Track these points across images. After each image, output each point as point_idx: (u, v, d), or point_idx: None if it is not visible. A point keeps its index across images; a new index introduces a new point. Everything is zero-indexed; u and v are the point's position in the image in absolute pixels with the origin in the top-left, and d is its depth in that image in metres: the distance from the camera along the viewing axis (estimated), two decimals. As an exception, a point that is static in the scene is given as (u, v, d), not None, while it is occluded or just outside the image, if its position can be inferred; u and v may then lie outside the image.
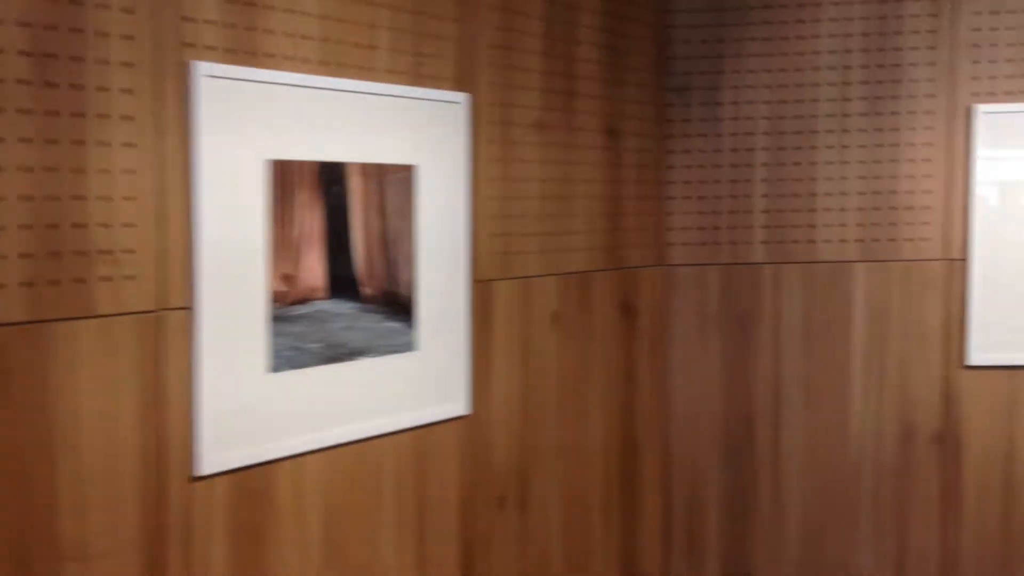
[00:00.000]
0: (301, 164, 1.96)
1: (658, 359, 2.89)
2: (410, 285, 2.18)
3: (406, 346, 2.18)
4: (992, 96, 2.78)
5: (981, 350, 2.79)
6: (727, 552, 2.92)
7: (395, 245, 2.15)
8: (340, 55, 2.03)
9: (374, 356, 2.11)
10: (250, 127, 1.87)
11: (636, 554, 2.86)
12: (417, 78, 2.19)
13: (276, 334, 1.91)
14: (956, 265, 2.81)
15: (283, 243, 1.92)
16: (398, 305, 2.16)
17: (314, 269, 1.99)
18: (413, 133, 2.18)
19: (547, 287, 2.54)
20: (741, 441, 2.90)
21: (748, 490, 2.90)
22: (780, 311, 2.87)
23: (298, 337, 1.96)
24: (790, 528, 2.89)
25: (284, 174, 1.92)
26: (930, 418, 2.84)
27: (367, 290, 2.09)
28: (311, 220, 1.98)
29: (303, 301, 1.97)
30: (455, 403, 2.29)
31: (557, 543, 2.60)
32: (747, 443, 2.90)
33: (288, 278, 1.94)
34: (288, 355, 1.94)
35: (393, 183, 2.14)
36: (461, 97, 2.27)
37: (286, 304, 1.93)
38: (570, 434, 2.62)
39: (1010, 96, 2.77)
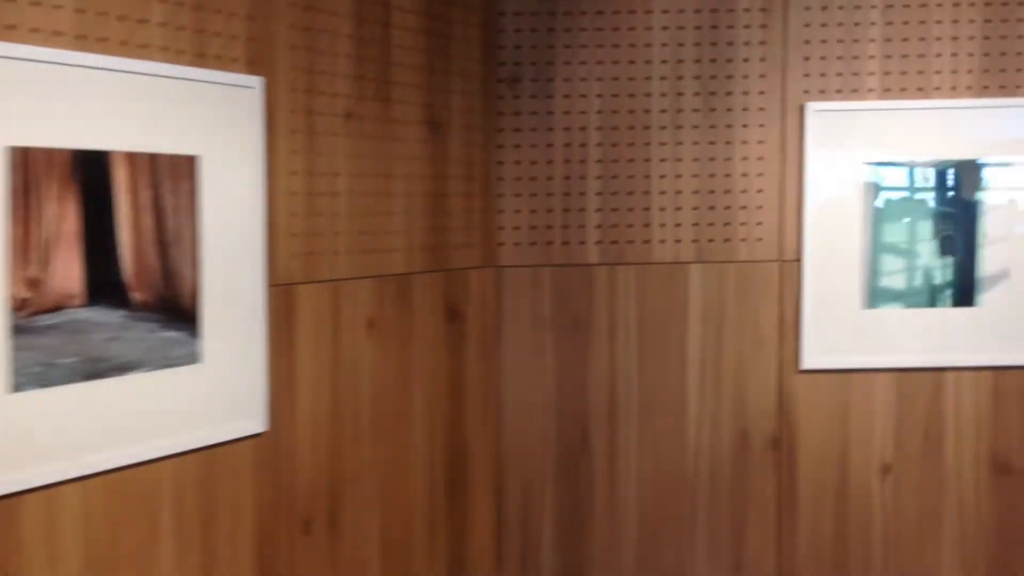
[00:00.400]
0: (50, 152, 1.70)
1: (488, 365, 2.73)
2: (194, 290, 1.95)
3: (188, 358, 1.94)
4: (823, 94, 2.72)
5: (814, 353, 2.73)
6: (562, 562, 2.78)
7: (174, 245, 1.92)
8: (101, 29, 1.78)
9: (148, 370, 1.87)
10: (-17, 108, 1.61)
11: (466, 569, 2.68)
12: (200, 58, 1.96)
13: (18, 348, 1.65)
14: (790, 266, 2.74)
15: (26, 242, 1.67)
16: (178, 312, 1.93)
17: (68, 273, 1.73)
18: (195, 120, 1.94)
19: (361, 290, 2.34)
20: (576, 448, 2.77)
21: (583, 498, 2.77)
22: (615, 314, 2.75)
23: (48, 351, 1.70)
24: (626, 537, 2.78)
25: (28, 163, 1.67)
26: (765, 423, 2.77)
27: (138, 296, 1.85)
28: (64, 217, 1.72)
29: (54, 309, 1.71)
30: (249, 420, 2.06)
31: (375, 565, 2.40)
32: (582, 450, 2.77)
33: (34, 283, 1.68)
34: (35, 372, 1.68)
35: (171, 176, 1.91)
36: (255, 81, 2.05)
37: (31, 313, 1.68)
38: (390, 448, 2.43)
39: (841, 94, 2.72)
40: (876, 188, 2.72)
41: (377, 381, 2.38)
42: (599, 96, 2.73)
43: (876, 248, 2.73)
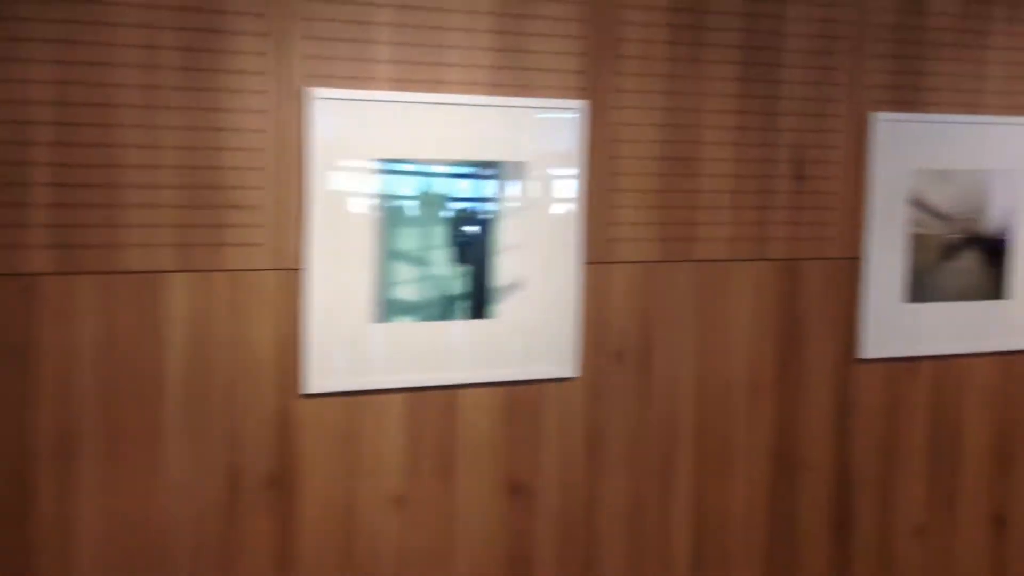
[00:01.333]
0: None
1: None
2: None
3: None
4: (330, 79, 2.39)
5: (320, 375, 2.40)
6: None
7: None
8: None
9: None
10: None
11: None
12: None
13: None
14: (291, 276, 2.39)
15: None
16: None
17: None
18: None
19: None
20: (11, 516, 2.19)
21: (21, 571, 2.21)
22: (71, 337, 2.21)
23: None
24: (92, 611, 2.26)
25: None
26: (262, 459, 2.39)
27: None
28: None
29: None
30: None
31: None
32: (20, 518, 2.20)
33: None
34: None
35: None
36: None
37: None
38: None
39: (350, 81, 2.41)
40: (388, 189, 2.45)
41: None
42: (54, 63, 2.17)
43: (388, 256, 2.46)
